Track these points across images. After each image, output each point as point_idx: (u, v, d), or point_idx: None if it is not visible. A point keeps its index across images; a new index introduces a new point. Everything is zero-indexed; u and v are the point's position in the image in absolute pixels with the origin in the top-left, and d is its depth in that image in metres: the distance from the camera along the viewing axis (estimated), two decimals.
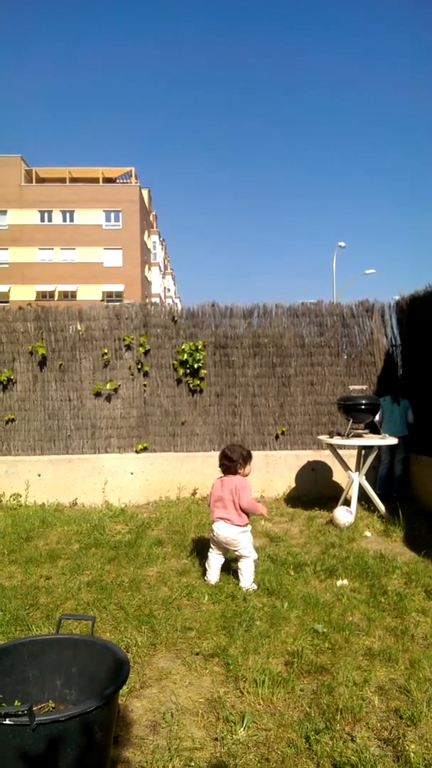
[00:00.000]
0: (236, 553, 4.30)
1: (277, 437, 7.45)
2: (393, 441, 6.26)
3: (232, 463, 4.38)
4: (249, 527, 4.35)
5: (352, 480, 6.31)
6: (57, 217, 46.21)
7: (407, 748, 2.43)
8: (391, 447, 6.81)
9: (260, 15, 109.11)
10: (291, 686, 2.91)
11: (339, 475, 7.16)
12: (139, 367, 7.32)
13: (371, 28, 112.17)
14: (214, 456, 7.20)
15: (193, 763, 2.38)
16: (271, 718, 2.67)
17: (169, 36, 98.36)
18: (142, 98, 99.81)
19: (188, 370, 7.33)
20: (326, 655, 3.25)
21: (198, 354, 7.26)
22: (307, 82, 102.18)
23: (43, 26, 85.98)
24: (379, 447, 6.55)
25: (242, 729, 2.58)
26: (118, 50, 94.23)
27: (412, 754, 2.39)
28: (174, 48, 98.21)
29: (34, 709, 1.86)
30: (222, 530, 4.28)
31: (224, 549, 4.36)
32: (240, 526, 4.27)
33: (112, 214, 46.36)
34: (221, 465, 4.46)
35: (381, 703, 2.80)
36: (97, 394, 7.27)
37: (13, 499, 6.98)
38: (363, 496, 6.40)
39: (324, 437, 6.55)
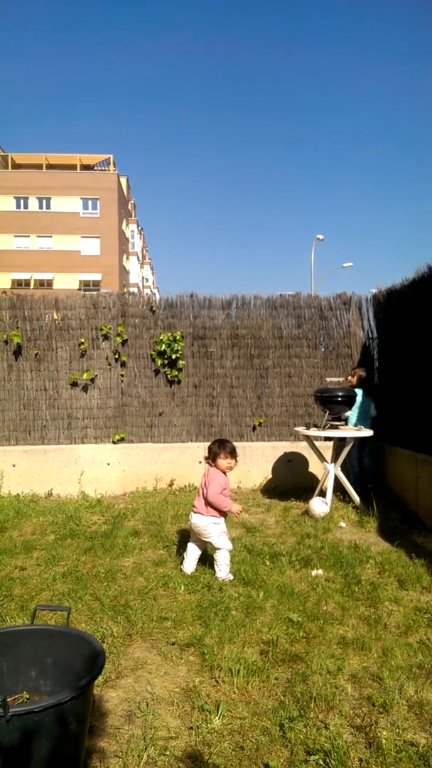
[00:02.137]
0: (209, 543, 4.32)
1: (254, 429, 7.48)
2: (369, 433, 6.33)
3: (209, 453, 4.46)
4: (221, 519, 4.32)
5: (327, 471, 6.37)
6: (33, 204, 45.43)
7: (379, 734, 2.48)
8: (360, 440, 6.84)
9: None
10: (266, 675, 2.94)
11: (315, 467, 7.22)
12: (117, 357, 7.26)
13: (369, 19, 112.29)
14: (192, 447, 7.26)
15: (168, 752, 2.39)
16: (246, 707, 2.69)
17: (151, 20, 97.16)
18: (122, 85, 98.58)
19: (166, 361, 7.30)
20: (301, 643, 3.28)
21: (176, 344, 7.23)
22: (289, 71, 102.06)
23: (19, 10, 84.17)
24: (354, 439, 6.60)
25: (217, 718, 2.59)
26: (97, 35, 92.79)
27: (383, 740, 2.43)
28: (155, 32, 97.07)
29: (8, 700, 1.85)
30: (194, 518, 4.33)
31: (201, 540, 4.37)
32: (207, 516, 4.27)
33: (90, 202, 45.75)
34: (207, 454, 4.53)
35: (354, 690, 2.84)
36: (74, 384, 7.20)
37: None
38: (338, 487, 6.47)
39: (301, 429, 6.59)
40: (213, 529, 4.27)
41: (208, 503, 4.26)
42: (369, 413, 6.95)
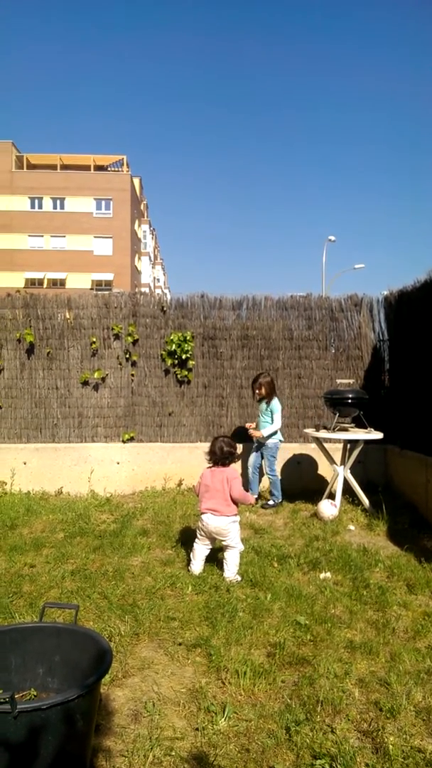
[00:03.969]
0: (224, 543, 4.32)
1: None
2: (378, 435, 6.29)
3: (233, 455, 4.49)
4: (238, 518, 4.39)
5: (337, 473, 6.35)
6: (47, 204, 45.74)
7: (386, 740, 2.46)
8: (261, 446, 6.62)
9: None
10: (272, 677, 2.93)
11: (324, 469, 7.20)
12: (127, 356, 7.28)
13: (370, 15, 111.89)
14: (201, 447, 7.24)
15: (173, 753, 2.39)
16: (252, 709, 2.69)
17: (165, 19, 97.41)
18: (136, 88, 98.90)
19: (176, 361, 7.30)
20: (308, 647, 3.27)
21: (186, 345, 7.24)
22: (303, 69, 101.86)
23: (34, 11, 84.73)
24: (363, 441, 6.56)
25: (223, 719, 2.59)
26: (111, 36, 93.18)
27: (390, 746, 2.42)
28: (169, 32, 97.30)
29: (15, 697, 1.85)
30: (212, 521, 4.29)
31: (212, 539, 4.37)
32: (229, 516, 4.29)
33: (103, 203, 45.95)
34: (220, 456, 4.44)
35: (361, 695, 2.82)
36: (85, 383, 7.23)
37: None
38: (347, 489, 6.44)
39: (310, 430, 6.57)
40: (233, 527, 4.31)
41: (234, 501, 4.32)
42: (269, 419, 6.60)
